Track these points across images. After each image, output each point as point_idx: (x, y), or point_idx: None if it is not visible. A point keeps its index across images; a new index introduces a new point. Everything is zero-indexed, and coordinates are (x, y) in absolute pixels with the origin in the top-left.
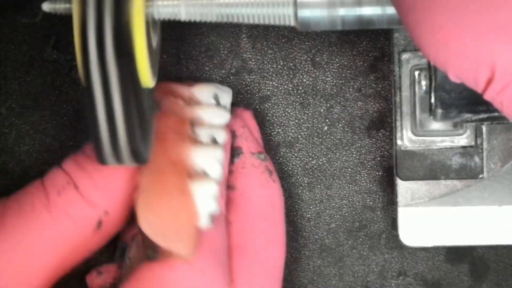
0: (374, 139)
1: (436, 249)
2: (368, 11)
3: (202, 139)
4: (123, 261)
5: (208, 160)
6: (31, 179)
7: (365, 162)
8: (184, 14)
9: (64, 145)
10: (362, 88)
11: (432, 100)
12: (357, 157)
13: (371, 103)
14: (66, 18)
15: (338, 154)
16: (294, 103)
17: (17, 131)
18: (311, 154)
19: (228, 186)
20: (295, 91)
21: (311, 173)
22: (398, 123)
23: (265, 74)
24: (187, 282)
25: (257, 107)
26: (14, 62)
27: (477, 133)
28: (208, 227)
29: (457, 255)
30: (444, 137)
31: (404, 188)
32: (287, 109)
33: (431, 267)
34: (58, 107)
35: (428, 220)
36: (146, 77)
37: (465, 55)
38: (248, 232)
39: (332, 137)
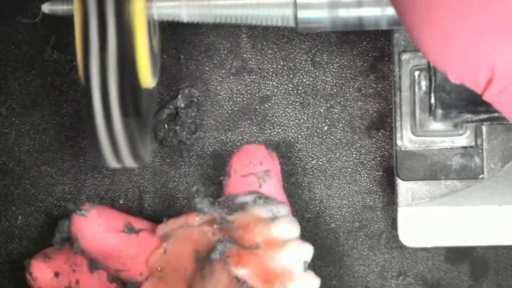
0: (374, 139)
1: (436, 249)
2: (368, 12)
3: None
4: None
5: None
6: (31, 179)
7: (365, 162)
8: (185, 15)
9: (64, 145)
10: (362, 88)
11: (432, 100)
12: (357, 157)
13: (371, 103)
14: (66, 19)
15: (338, 154)
16: (294, 103)
17: (17, 131)
18: (311, 154)
19: None
20: (295, 91)
21: (311, 173)
22: (398, 124)
23: (265, 74)
24: None
25: (257, 107)
26: (14, 62)
27: (477, 134)
28: None
29: (457, 255)
30: (444, 137)
31: (404, 188)
32: (287, 109)
33: (431, 267)
34: (58, 107)
35: (428, 220)
36: (147, 77)
37: (464, 56)
38: None
39: (332, 137)
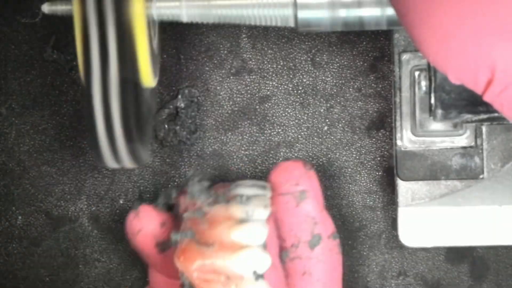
0: (374, 139)
1: (436, 249)
2: (368, 12)
3: None
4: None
5: None
6: (31, 179)
7: (365, 162)
8: (185, 15)
9: (64, 145)
10: (362, 88)
11: (432, 100)
12: (357, 157)
13: (371, 103)
14: (66, 19)
15: (338, 154)
16: (294, 103)
17: (17, 131)
18: (311, 154)
19: (304, 272)
20: (295, 91)
21: None
22: (398, 124)
23: (265, 74)
24: None
25: (257, 107)
26: (14, 62)
27: (477, 134)
28: None
29: (457, 255)
30: (444, 137)
31: (404, 188)
32: (287, 109)
33: (431, 267)
34: (58, 107)
35: (428, 220)
36: (148, 77)
37: (464, 56)
38: None
39: (332, 137)
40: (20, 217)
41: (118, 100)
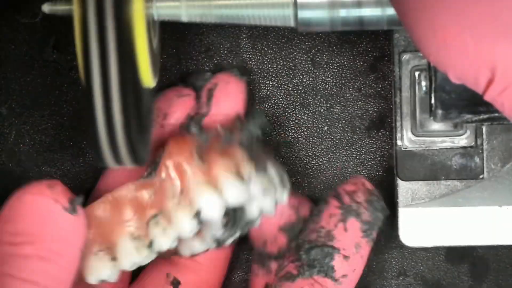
0: (374, 139)
1: (436, 249)
2: (368, 12)
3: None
4: None
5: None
6: (31, 179)
7: (365, 162)
8: (184, 15)
9: (64, 145)
10: (362, 88)
11: (432, 100)
12: (357, 157)
13: (371, 103)
14: (66, 19)
15: (338, 154)
16: (294, 103)
17: (17, 131)
18: (311, 154)
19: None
20: (295, 91)
21: (311, 173)
22: (398, 124)
23: (265, 74)
24: None
25: (257, 107)
26: (14, 62)
27: (477, 134)
28: None
29: (457, 255)
30: (444, 137)
31: (404, 188)
32: (287, 109)
33: (431, 267)
34: (58, 107)
35: (428, 220)
36: (147, 77)
37: (465, 56)
38: None
39: (332, 137)
40: None
41: (118, 100)
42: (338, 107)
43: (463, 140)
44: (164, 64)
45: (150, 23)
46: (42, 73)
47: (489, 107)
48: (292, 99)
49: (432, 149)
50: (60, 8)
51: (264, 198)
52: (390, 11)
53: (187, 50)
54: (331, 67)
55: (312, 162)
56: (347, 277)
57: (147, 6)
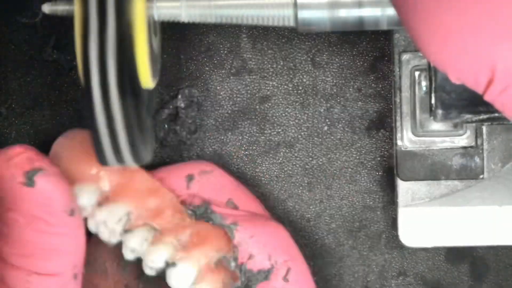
0: (374, 139)
1: (436, 249)
2: (368, 12)
3: None
4: None
5: None
6: None
7: (365, 162)
8: (184, 15)
9: None
10: (362, 88)
11: (433, 100)
12: (357, 157)
13: (371, 103)
14: (66, 18)
15: (338, 154)
16: (294, 103)
17: (17, 131)
18: (311, 154)
19: None
20: (295, 91)
21: (311, 173)
22: (398, 124)
23: (265, 74)
24: None
25: (257, 107)
26: (14, 62)
27: (478, 134)
28: None
29: (457, 255)
30: (444, 137)
31: (404, 188)
32: (287, 109)
33: (431, 267)
34: (58, 107)
35: (428, 220)
36: (147, 78)
37: (465, 56)
38: None
39: (332, 137)
40: None
41: (118, 100)
42: (338, 107)
43: (463, 140)
44: (164, 64)
45: (151, 23)
46: (42, 73)
47: (489, 107)
48: (292, 99)
49: (432, 149)
50: (60, 8)
51: None
52: (390, 11)
53: (187, 50)
54: (331, 67)
55: (312, 162)
56: None
57: (147, 6)
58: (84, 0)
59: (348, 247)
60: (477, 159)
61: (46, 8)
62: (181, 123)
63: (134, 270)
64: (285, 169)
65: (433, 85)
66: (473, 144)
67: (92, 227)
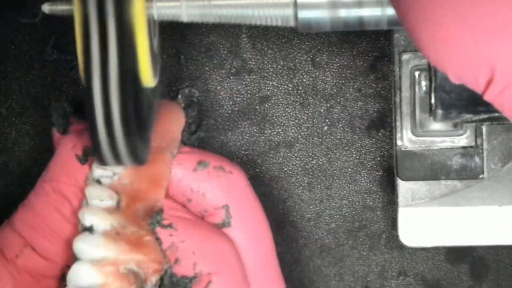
0: (374, 139)
1: (436, 249)
2: (368, 12)
3: None
4: None
5: None
6: (31, 179)
7: (365, 162)
8: (185, 15)
9: None
10: (362, 88)
11: (432, 100)
12: (357, 157)
13: (371, 103)
14: (66, 18)
15: (338, 154)
16: (294, 103)
17: (17, 131)
18: (311, 154)
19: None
20: (295, 91)
21: (311, 173)
22: (398, 124)
23: (265, 74)
24: None
25: (257, 107)
26: (14, 62)
27: (477, 134)
28: None
29: (457, 255)
30: (444, 137)
31: (404, 188)
32: (287, 109)
33: (431, 267)
34: None
35: (428, 220)
36: (147, 77)
37: (465, 56)
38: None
39: (332, 137)
40: None
41: (118, 99)
42: (338, 107)
43: (463, 140)
44: (164, 64)
45: (151, 23)
46: (42, 73)
47: (489, 107)
48: (292, 99)
49: (432, 149)
50: (60, 8)
51: None
52: (390, 11)
53: (187, 50)
54: (331, 67)
55: (312, 162)
56: None
57: (147, 6)
58: (84, 0)
59: (348, 247)
60: (477, 159)
61: (46, 8)
62: None
63: None
64: (285, 169)
65: (433, 85)
66: (473, 144)
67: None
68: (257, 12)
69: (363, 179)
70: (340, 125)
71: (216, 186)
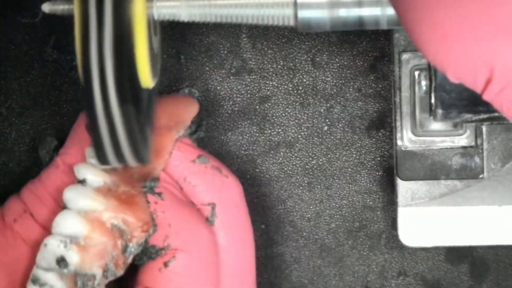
0: (374, 139)
1: (436, 249)
2: (368, 12)
3: None
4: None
5: None
6: (31, 179)
7: (365, 162)
8: (184, 15)
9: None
10: (362, 88)
11: (432, 100)
12: (357, 157)
13: (371, 103)
14: (66, 18)
15: (338, 154)
16: (294, 103)
17: (17, 131)
18: (311, 154)
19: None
20: (295, 91)
21: (311, 173)
22: (398, 124)
23: (265, 74)
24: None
25: (257, 107)
26: (14, 62)
27: (477, 133)
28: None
29: (457, 255)
30: (444, 137)
31: (404, 188)
32: (287, 109)
33: (431, 267)
34: (58, 107)
35: (428, 220)
36: (146, 77)
37: (464, 55)
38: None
39: (332, 137)
40: None
41: (117, 99)
42: (338, 107)
43: (463, 140)
44: (164, 64)
45: (151, 22)
46: (42, 73)
47: (489, 107)
48: (292, 99)
49: (432, 149)
50: (60, 8)
51: None
52: (390, 11)
53: (187, 50)
54: (331, 67)
55: (312, 162)
56: None
57: (148, 6)
58: (83, 0)
59: (348, 247)
60: (477, 159)
61: (46, 8)
62: None
63: None
64: (285, 169)
65: (433, 85)
66: (473, 144)
67: None
68: (257, 12)
69: (363, 179)
70: (340, 125)
71: (209, 183)
